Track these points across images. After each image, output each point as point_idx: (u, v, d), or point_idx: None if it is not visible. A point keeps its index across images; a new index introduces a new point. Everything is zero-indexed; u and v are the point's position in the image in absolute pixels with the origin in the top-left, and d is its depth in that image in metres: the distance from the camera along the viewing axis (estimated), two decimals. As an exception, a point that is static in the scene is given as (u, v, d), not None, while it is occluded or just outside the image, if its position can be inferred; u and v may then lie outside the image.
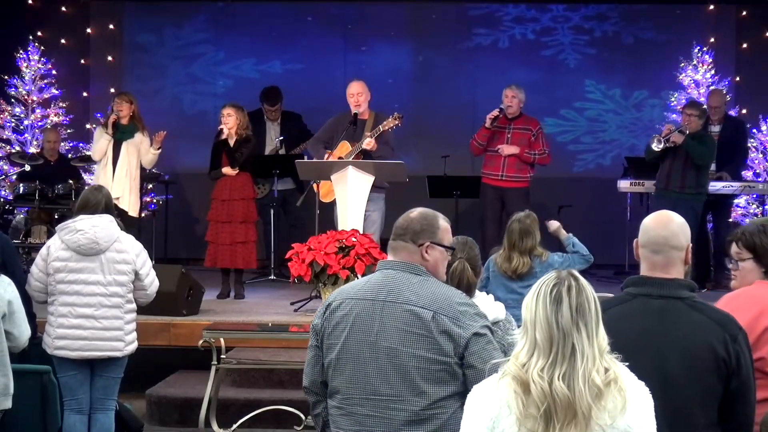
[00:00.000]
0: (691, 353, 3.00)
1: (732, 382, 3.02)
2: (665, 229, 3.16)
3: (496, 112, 9.25)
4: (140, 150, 9.17)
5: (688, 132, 8.93)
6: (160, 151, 9.24)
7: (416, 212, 3.42)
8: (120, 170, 9.08)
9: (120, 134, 9.11)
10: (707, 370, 3.00)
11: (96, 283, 5.39)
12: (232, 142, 8.70)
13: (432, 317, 3.18)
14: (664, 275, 3.13)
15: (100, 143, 9.15)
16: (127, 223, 9.02)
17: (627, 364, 2.58)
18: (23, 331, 4.97)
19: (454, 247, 3.52)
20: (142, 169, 9.43)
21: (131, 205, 9.14)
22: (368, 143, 8.28)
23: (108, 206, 5.53)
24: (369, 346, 3.23)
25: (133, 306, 5.54)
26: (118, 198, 9.01)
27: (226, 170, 8.71)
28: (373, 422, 3.21)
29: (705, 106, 9.65)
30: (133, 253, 5.48)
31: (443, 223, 3.41)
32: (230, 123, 8.70)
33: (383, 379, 3.20)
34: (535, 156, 9.36)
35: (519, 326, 2.65)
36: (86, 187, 5.94)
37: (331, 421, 3.35)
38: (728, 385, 3.02)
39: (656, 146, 8.93)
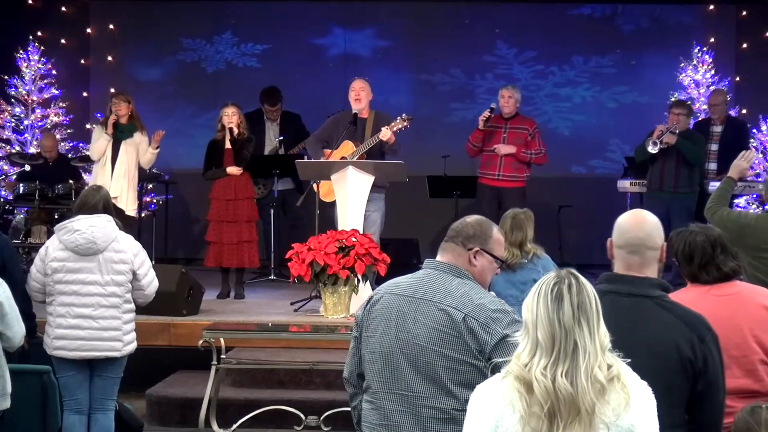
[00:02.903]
0: (657, 352, 2.99)
1: (699, 383, 3.02)
2: (642, 231, 3.16)
3: (487, 113, 9.26)
4: (139, 149, 9.17)
5: (678, 131, 8.99)
6: (158, 150, 9.24)
7: (473, 218, 3.41)
8: (119, 169, 9.08)
9: (119, 133, 9.11)
10: (673, 370, 2.99)
11: (94, 283, 5.38)
12: (229, 142, 8.71)
13: (463, 319, 3.16)
14: (637, 274, 3.14)
15: (99, 143, 9.15)
16: (125, 222, 9.06)
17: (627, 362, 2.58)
18: (16, 332, 4.96)
19: (504, 260, 3.48)
20: (142, 169, 9.43)
21: (129, 204, 9.14)
22: (384, 134, 8.23)
23: (107, 206, 5.52)
24: (401, 342, 3.23)
25: (132, 306, 5.53)
26: (116, 197, 9.01)
27: (232, 170, 8.70)
28: (401, 418, 3.21)
29: (706, 106, 9.64)
30: (131, 252, 5.47)
31: (497, 234, 3.39)
32: (235, 121, 8.71)
33: (413, 375, 3.20)
34: (532, 155, 9.35)
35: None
36: (85, 187, 5.94)
37: (362, 415, 3.35)
38: (695, 386, 3.02)
39: (652, 149, 8.99)
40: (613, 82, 11.99)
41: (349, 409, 3.58)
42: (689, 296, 3.63)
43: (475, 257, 3.32)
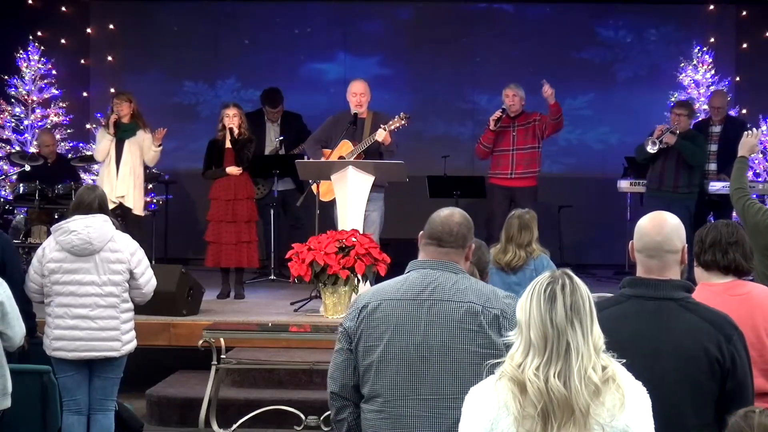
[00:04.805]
0: (684, 354, 3.00)
1: (728, 383, 3.02)
2: (659, 234, 3.16)
3: (498, 113, 9.25)
4: (143, 147, 9.17)
5: (678, 132, 8.98)
6: (161, 148, 9.23)
7: (456, 216, 3.35)
8: (123, 169, 9.07)
9: (122, 133, 9.11)
10: (700, 371, 3.00)
11: (91, 283, 5.38)
12: (230, 143, 8.70)
13: (481, 311, 3.16)
14: (658, 277, 3.14)
15: (102, 144, 9.16)
16: (131, 221, 9.08)
17: (622, 362, 2.58)
18: (17, 332, 4.98)
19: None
20: (144, 168, 9.42)
21: (135, 203, 9.14)
22: (380, 133, 8.22)
23: (102, 206, 5.49)
24: (416, 346, 3.17)
25: (130, 305, 5.52)
26: (122, 196, 9.04)
27: (231, 170, 8.71)
28: (421, 423, 3.15)
29: (706, 106, 9.61)
30: (128, 252, 5.46)
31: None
32: (236, 122, 8.71)
33: (435, 378, 3.15)
34: (558, 118, 9.14)
35: None
36: (82, 186, 5.94)
37: (367, 426, 3.25)
38: (724, 385, 3.02)
39: (651, 148, 9.00)
40: (594, 123, 11.96)
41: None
42: (702, 296, 3.61)
43: (470, 251, 3.36)
